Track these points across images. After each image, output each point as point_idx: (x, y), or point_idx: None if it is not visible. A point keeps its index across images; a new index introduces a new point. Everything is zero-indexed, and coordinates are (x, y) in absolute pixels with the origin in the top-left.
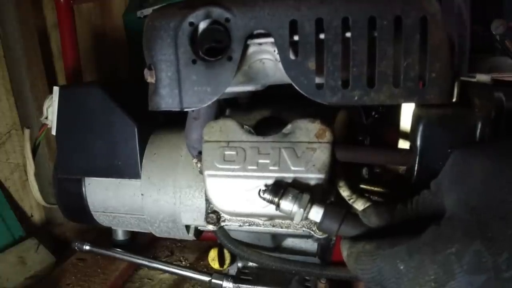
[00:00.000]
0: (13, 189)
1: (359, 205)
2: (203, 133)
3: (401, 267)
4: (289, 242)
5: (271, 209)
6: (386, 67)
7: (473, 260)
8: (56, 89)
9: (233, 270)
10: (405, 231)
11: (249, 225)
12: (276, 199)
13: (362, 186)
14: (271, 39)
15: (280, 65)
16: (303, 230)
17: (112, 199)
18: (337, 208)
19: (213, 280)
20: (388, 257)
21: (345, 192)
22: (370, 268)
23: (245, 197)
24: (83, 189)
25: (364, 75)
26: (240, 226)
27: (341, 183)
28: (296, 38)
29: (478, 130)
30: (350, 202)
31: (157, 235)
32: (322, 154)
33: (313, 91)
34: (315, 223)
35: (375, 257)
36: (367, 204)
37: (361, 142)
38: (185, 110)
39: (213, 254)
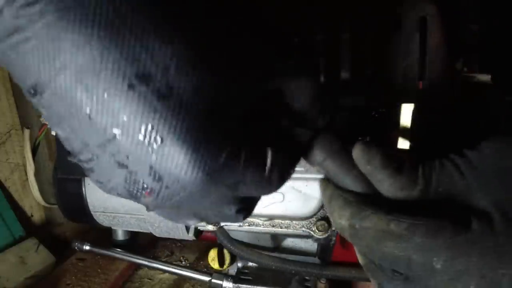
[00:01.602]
0: (13, 189)
1: None
2: None
3: (438, 266)
4: (289, 242)
5: (271, 209)
6: (385, 68)
7: None
8: None
9: (233, 270)
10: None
11: (249, 225)
12: None
13: None
14: None
15: None
16: (303, 230)
17: (112, 199)
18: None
19: (213, 280)
20: (426, 251)
21: None
22: (395, 257)
23: None
24: (83, 189)
25: (364, 75)
26: (239, 226)
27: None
28: (295, 39)
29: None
30: None
31: (157, 235)
32: None
33: None
34: None
35: (407, 245)
36: None
37: None
38: None
39: (213, 254)
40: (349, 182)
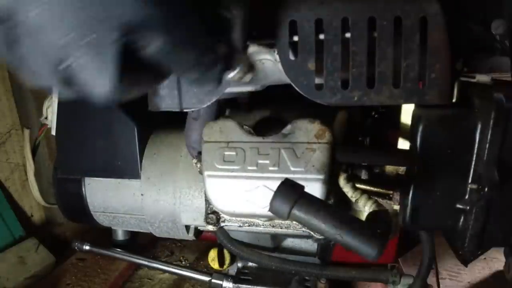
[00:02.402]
0: (13, 189)
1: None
2: (203, 133)
3: None
4: (289, 242)
5: None
6: (385, 68)
7: None
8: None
9: (233, 270)
10: None
11: (249, 226)
12: None
13: (361, 186)
14: (271, 40)
15: (279, 65)
16: (303, 231)
17: (112, 199)
18: (292, 188)
19: (213, 280)
20: None
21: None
22: None
23: (245, 198)
24: (83, 189)
25: (363, 75)
26: (239, 226)
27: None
28: (295, 38)
29: (478, 131)
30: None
31: (157, 235)
32: (321, 155)
33: (313, 91)
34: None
35: None
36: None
37: (361, 142)
38: (185, 110)
39: (213, 254)
40: None
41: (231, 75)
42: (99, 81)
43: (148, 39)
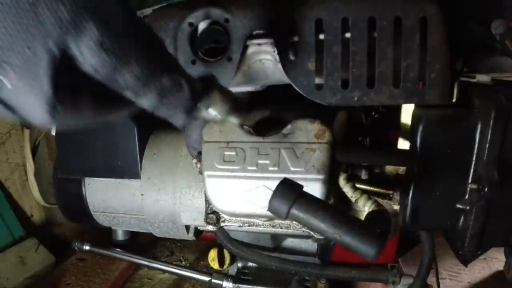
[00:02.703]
0: (13, 189)
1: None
2: (203, 133)
3: None
4: (289, 242)
5: None
6: (385, 68)
7: None
8: None
9: (233, 270)
10: None
11: (249, 226)
12: None
13: (361, 186)
14: (271, 40)
15: (279, 65)
16: (303, 231)
17: (112, 199)
18: (291, 187)
19: (213, 280)
20: None
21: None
22: None
23: (245, 198)
24: (83, 189)
25: (363, 75)
26: (239, 226)
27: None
28: (295, 38)
29: (478, 131)
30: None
31: (157, 235)
32: (321, 155)
33: (313, 91)
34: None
35: None
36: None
37: (361, 142)
38: None
39: (213, 254)
40: None
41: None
42: (34, 106)
43: (85, 52)
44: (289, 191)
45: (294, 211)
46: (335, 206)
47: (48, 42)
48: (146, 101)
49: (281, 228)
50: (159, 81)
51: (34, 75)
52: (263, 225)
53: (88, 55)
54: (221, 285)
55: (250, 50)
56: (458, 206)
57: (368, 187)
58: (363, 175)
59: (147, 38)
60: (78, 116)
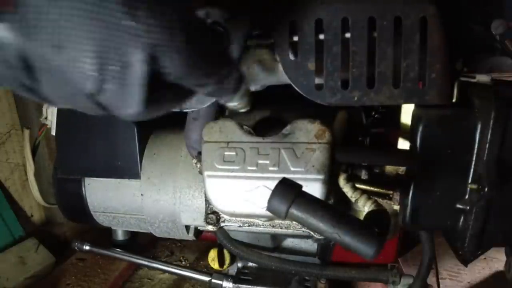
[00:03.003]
0: (13, 189)
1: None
2: (202, 133)
3: None
4: (289, 242)
5: None
6: (385, 68)
7: None
8: None
9: (233, 270)
10: None
11: (249, 226)
12: None
13: (361, 186)
14: (271, 40)
15: (279, 65)
16: (303, 231)
17: (112, 199)
18: (289, 187)
19: (213, 280)
20: None
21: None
22: None
23: (245, 198)
24: (83, 189)
25: (363, 75)
26: (239, 226)
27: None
28: (295, 38)
29: (478, 131)
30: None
31: (157, 235)
32: (321, 155)
33: (313, 91)
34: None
35: None
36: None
37: (361, 142)
38: (185, 110)
39: (213, 254)
40: None
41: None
42: (128, 105)
43: (171, 64)
44: (288, 190)
45: (293, 211)
46: (334, 206)
47: (144, 54)
48: (207, 89)
49: (281, 228)
50: (220, 73)
51: (129, 81)
52: (263, 225)
53: (174, 65)
54: (221, 285)
55: (250, 50)
56: (458, 206)
57: (368, 187)
58: (363, 175)
59: (209, 39)
60: (159, 109)
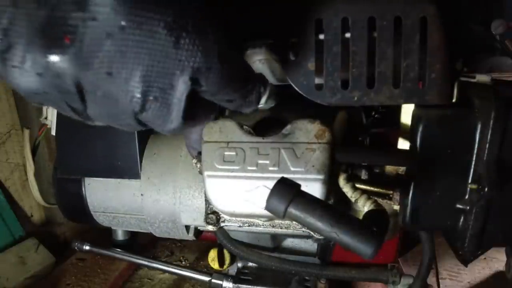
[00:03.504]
0: (13, 189)
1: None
2: (202, 133)
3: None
4: (288, 242)
5: None
6: (385, 68)
7: None
8: None
9: (233, 270)
10: None
11: (249, 226)
12: None
13: (361, 186)
14: (271, 40)
15: (279, 65)
16: (303, 231)
17: (112, 199)
18: (288, 186)
19: (213, 280)
20: None
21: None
22: None
23: (245, 198)
24: (83, 189)
25: (363, 75)
26: (239, 226)
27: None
28: (295, 38)
29: (478, 131)
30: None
31: (157, 235)
32: (321, 155)
33: (313, 91)
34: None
35: None
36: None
37: (361, 142)
38: None
39: (213, 254)
40: None
41: (263, 99)
42: (169, 122)
43: (207, 83)
44: (286, 190)
45: (292, 210)
46: (333, 205)
47: (185, 77)
48: (234, 104)
49: (281, 228)
50: (245, 88)
51: (172, 101)
52: (263, 225)
53: (210, 84)
54: (221, 285)
55: (250, 50)
56: (458, 206)
57: (368, 187)
58: (363, 175)
59: (237, 58)
60: (194, 124)
